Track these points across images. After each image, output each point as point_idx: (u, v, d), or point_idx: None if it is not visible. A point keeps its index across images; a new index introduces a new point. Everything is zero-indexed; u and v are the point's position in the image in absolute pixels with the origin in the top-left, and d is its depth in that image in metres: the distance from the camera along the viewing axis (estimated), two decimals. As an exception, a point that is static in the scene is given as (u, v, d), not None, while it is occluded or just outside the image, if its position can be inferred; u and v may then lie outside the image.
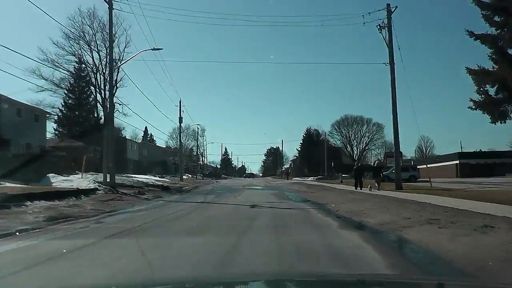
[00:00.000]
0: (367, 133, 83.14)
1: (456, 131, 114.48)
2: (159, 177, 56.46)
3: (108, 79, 28.46)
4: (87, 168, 29.22)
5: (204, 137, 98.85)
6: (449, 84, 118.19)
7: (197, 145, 79.26)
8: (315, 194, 23.66)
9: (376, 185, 24.24)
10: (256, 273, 4.80)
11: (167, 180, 51.29)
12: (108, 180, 24.02)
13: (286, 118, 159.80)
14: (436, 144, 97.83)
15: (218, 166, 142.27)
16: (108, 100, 26.10)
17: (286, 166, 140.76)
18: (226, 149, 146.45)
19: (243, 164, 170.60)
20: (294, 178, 69.92)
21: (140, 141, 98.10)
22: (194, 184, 42.96)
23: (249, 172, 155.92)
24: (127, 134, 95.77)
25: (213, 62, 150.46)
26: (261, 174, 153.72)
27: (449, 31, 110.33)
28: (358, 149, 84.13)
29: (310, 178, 66.47)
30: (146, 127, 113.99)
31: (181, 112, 51.63)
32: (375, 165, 26.58)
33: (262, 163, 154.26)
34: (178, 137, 57.01)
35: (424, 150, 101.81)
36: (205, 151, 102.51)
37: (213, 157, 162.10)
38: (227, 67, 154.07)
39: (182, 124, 55.78)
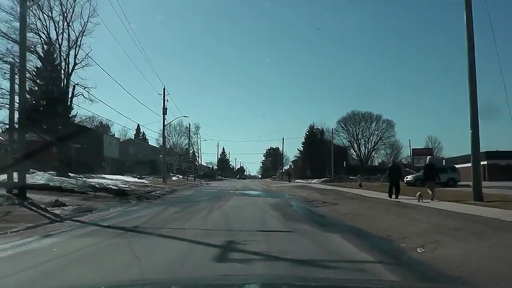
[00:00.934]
0: (376, 131, 74.30)
1: (462, 130, 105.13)
2: (138, 178, 47.71)
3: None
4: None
5: (198, 135, 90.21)
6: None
7: (189, 141, 70.48)
8: (338, 206, 14.82)
9: (430, 192, 15.67)
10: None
11: (147, 181, 42.53)
12: (16, 180, 15.17)
13: (287, 116, 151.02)
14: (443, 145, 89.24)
15: (215, 167, 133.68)
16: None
17: (286, 167, 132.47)
18: (223, 149, 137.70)
19: (242, 165, 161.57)
20: (297, 180, 61.17)
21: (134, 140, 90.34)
22: (175, 187, 34.12)
23: (247, 174, 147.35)
24: (117, 133, 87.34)
25: (210, 61, 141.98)
26: (260, 176, 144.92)
27: None
28: (366, 149, 75.30)
29: (314, 180, 57.64)
30: (138, 125, 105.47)
31: (165, 102, 42.77)
32: (428, 163, 17.63)
33: (261, 164, 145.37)
34: (162, 132, 48.60)
35: (433, 152, 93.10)
36: (199, 150, 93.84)
37: (210, 157, 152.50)
38: (226, 64, 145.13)
39: (174, 121, 46.92)
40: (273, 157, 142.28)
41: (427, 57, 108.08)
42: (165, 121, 42.67)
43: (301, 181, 60.66)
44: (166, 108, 42.45)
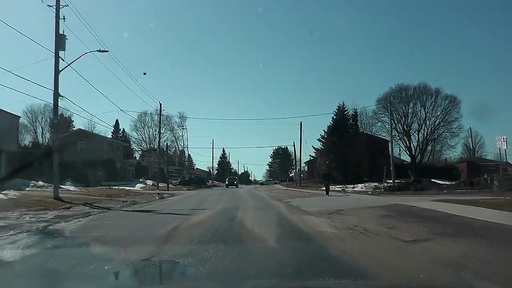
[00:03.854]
0: (435, 111, 49.99)
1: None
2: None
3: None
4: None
5: (183, 128, 66.61)
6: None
7: (159, 130, 46.34)
8: None
9: None
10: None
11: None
12: None
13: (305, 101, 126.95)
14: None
15: (215, 171, 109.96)
16: None
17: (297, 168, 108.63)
18: (223, 150, 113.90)
19: (246, 169, 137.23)
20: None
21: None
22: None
23: (252, 178, 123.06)
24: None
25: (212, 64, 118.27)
26: (266, 180, 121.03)
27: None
28: (420, 139, 51.10)
29: (359, 186, 33.80)
30: (117, 121, 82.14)
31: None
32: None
33: (268, 167, 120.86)
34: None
35: (473, 148, 68.67)
36: (185, 147, 70.18)
37: (207, 159, 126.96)
38: (226, 64, 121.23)
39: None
40: (282, 159, 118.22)
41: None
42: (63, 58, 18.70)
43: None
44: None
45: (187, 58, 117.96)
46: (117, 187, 40.81)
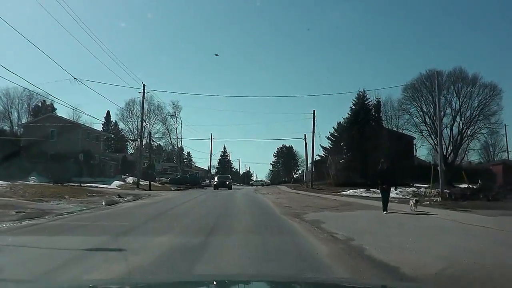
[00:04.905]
0: (471, 102, 41.48)
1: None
2: None
3: None
4: None
5: (177, 119, 58.31)
6: None
7: (142, 119, 37.87)
8: None
9: None
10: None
11: None
12: None
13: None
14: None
15: (215, 170, 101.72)
16: None
17: (303, 168, 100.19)
18: (224, 148, 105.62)
19: (248, 169, 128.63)
20: (340, 192, 29.28)
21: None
22: None
23: (254, 178, 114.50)
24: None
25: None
26: (268, 181, 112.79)
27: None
28: (453, 136, 42.59)
29: (395, 192, 25.32)
30: (108, 112, 74.25)
31: None
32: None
33: (271, 166, 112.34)
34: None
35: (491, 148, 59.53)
36: (179, 142, 61.95)
37: (207, 157, 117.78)
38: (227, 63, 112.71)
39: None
40: (286, 158, 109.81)
41: None
42: None
43: (350, 191, 28.68)
44: None
45: (186, 49, 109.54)
46: (86, 185, 32.87)
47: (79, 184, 33.62)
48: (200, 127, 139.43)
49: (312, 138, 42.41)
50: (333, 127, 65.62)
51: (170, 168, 75.69)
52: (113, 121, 75.69)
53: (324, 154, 65.91)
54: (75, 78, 22.93)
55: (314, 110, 42.78)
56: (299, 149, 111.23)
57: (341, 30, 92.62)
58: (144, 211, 11.92)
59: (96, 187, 32.92)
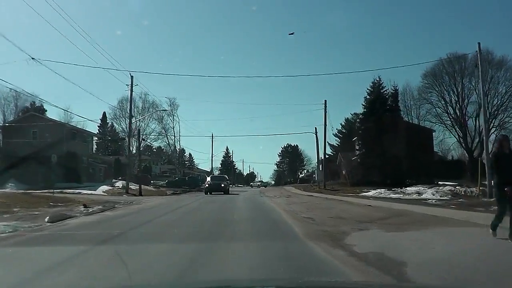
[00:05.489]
0: (499, 88, 36.84)
1: None
2: None
3: None
4: None
5: (174, 117, 53.98)
6: None
7: (130, 114, 33.22)
8: None
9: None
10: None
11: None
12: None
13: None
14: None
15: (217, 171, 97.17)
16: None
17: (310, 168, 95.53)
18: (227, 148, 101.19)
19: (252, 170, 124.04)
20: (365, 192, 24.71)
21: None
22: None
23: (258, 179, 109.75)
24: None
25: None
26: (273, 182, 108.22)
27: None
28: (479, 124, 37.95)
29: (428, 193, 20.79)
30: (104, 113, 69.85)
31: None
32: None
33: (276, 166, 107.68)
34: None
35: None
36: (177, 140, 57.54)
37: (208, 158, 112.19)
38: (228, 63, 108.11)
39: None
40: (291, 158, 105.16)
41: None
42: None
43: (372, 192, 24.08)
44: None
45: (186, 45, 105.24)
46: (68, 191, 28.71)
47: (52, 191, 29.28)
48: (200, 125, 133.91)
49: (324, 132, 37.74)
50: (341, 123, 61.18)
51: (170, 171, 71.39)
52: (109, 123, 71.66)
53: (332, 153, 61.44)
54: (32, 58, 18.49)
55: (325, 100, 37.68)
56: (305, 148, 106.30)
57: (355, 15, 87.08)
58: (84, 236, 7.49)
59: (79, 193, 28.67)
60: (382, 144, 33.89)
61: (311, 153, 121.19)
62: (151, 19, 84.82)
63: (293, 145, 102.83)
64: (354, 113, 70.33)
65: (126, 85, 30.85)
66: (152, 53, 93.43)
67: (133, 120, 33.64)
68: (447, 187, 22.66)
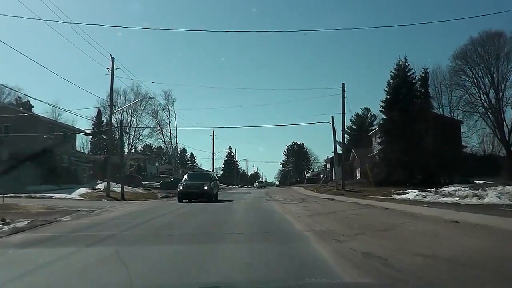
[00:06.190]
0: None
1: None
2: None
3: None
4: None
5: (171, 112, 49.06)
6: None
7: (111, 102, 28.20)
8: None
9: None
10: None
11: None
12: None
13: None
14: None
15: (221, 172, 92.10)
16: None
17: (316, 168, 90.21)
18: (230, 147, 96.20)
19: (256, 170, 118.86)
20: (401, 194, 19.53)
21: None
22: None
23: (263, 180, 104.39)
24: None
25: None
26: (277, 182, 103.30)
27: None
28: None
29: (492, 196, 15.48)
30: (99, 111, 64.88)
31: None
32: None
33: (281, 165, 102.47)
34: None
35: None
36: (173, 137, 52.48)
37: (206, 156, 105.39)
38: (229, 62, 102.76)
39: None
40: (296, 156, 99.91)
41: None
42: None
43: (410, 195, 18.93)
44: None
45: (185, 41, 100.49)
46: (36, 195, 23.97)
47: (29, 194, 24.43)
48: (200, 126, 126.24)
49: (342, 120, 32.19)
50: (350, 119, 56.15)
51: (168, 171, 66.44)
52: (105, 120, 66.85)
53: (341, 150, 56.24)
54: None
55: (343, 84, 30.92)
56: (311, 146, 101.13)
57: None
58: None
59: (51, 197, 23.78)
60: (408, 137, 28.66)
61: (318, 152, 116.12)
62: (151, 19, 79.69)
63: (299, 143, 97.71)
64: (365, 108, 65.10)
65: (106, 68, 25.79)
66: (152, 53, 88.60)
67: (115, 110, 28.50)
68: (508, 186, 17.33)
